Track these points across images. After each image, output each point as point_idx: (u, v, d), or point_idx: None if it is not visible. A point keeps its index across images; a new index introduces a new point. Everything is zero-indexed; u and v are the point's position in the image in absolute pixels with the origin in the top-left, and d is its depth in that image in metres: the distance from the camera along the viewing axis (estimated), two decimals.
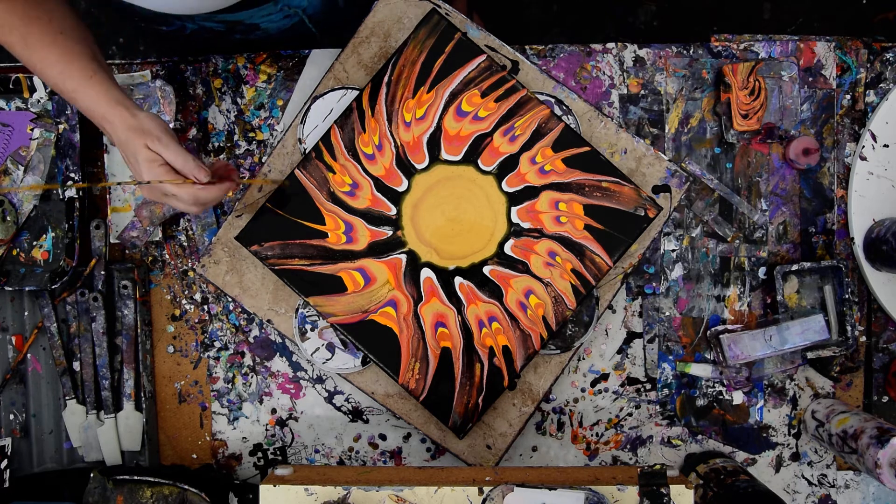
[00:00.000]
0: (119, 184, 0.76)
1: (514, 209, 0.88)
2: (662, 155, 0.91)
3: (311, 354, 0.91)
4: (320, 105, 0.91)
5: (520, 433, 0.92)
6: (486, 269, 0.88)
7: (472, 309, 0.88)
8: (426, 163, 0.88)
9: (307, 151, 0.90)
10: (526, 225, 0.88)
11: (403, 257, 0.88)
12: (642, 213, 0.88)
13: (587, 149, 0.88)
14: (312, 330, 0.91)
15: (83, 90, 0.74)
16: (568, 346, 0.91)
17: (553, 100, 0.90)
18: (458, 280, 0.88)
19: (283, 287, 0.91)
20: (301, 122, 0.91)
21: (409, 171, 0.88)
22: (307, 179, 0.88)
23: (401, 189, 0.88)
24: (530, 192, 0.88)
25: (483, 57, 0.88)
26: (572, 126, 0.89)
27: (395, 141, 0.88)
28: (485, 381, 0.88)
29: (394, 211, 0.88)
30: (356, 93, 0.90)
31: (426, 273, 0.88)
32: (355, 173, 0.88)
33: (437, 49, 0.88)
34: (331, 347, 0.90)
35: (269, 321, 0.92)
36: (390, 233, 0.88)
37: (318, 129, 0.91)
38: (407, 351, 0.88)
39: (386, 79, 0.88)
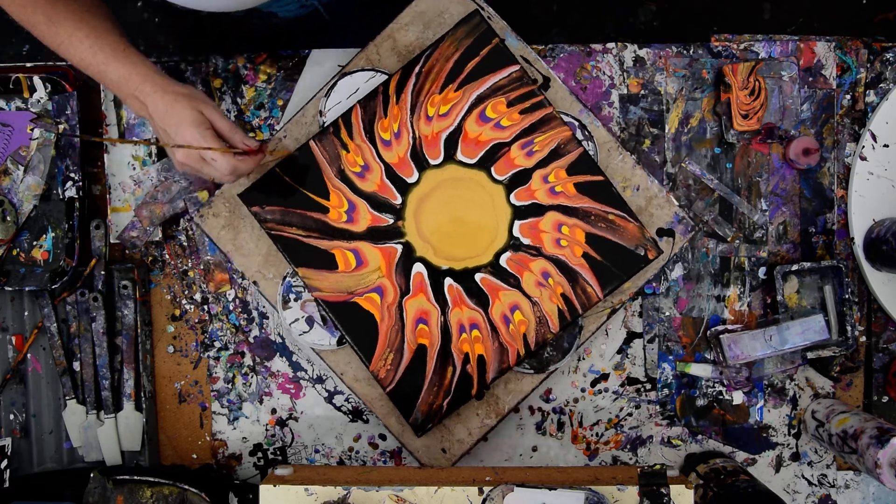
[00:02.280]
0: (161, 145, 0.76)
1: (517, 223, 0.88)
2: (674, 199, 0.91)
3: (290, 324, 0.91)
4: (347, 82, 0.90)
5: (476, 444, 0.92)
6: (478, 277, 0.88)
7: (456, 312, 0.88)
8: (440, 160, 0.88)
9: (325, 125, 0.90)
10: (526, 241, 0.88)
11: (399, 247, 0.88)
12: (642, 253, 0.88)
13: (601, 178, 0.88)
14: (296, 300, 0.91)
15: (116, 62, 0.74)
16: (542, 369, 0.90)
17: (577, 123, 0.90)
18: (447, 281, 0.88)
19: (276, 252, 0.91)
20: (325, 96, 0.91)
21: (422, 164, 0.88)
22: (320, 152, 0.88)
23: (410, 180, 0.88)
24: (536, 210, 0.88)
25: (516, 67, 0.88)
26: (591, 153, 0.89)
27: (414, 132, 0.88)
28: (454, 386, 0.88)
29: (399, 200, 0.88)
30: (384, 77, 0.90)
31: (418, 267, 0.88)
32: (369, 156, 0.88)
33: (472, 50, 0.88)
34: (310, 321, 0.90)
35: (255, 282, 0.92)
36: (391, 221, 0.88)
37: (339, 106, 0.90)
38: (384, 340, 0.88)
39: (417, 69, 0.88)
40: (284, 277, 0.91)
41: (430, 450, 0.91)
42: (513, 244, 0.88)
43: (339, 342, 0.90)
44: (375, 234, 0.88)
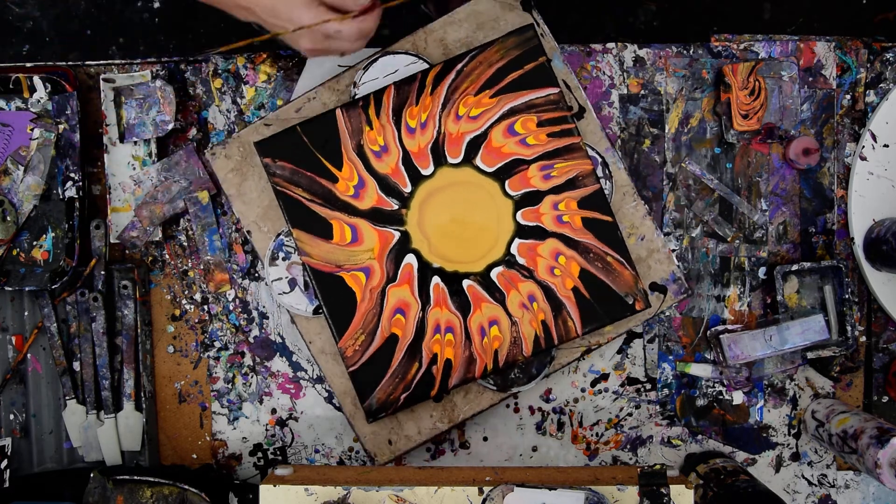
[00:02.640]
0: (280, 36, 0.76)
1: (517, 241, 0.88)
2: (675, 259, 0.92)
3: (272, 281, 0.91)
4: (388, 61, 0.91)
5: (423, 444, 0.92)
6: (465, 283, 0.88)
7: (436, 312, 0.88)
8: (458, 160, 0.88)
9: (356, 97, 0.90)
10: (521, 260, 0.88)
11: (397, 235, 0.88)
12: (631, 302, 0.88)
13: (609, 219, 0.88)
14: (283, 260, 0.91)
15: None
16: (505, 388, 0.90)
17: (600, 159, 0.90)
18: (435, 279, 0.88)
19: (276, 208, 0.90)
20: (363, 69, 0.91)
21: (440, 159, 0.88)
22: (344, 122, 0.88)
23: (425, 172, 0.88)
24: (539, 233, 0.88)
25: (556, 90, 0.88)
26: (606, 191, 0.90)
27: (440, 127, 0.88)
28: (415, 382, 0.88)
29: (409, 189, 0.88)
30: (425, 66, 0.90)
31: (410, 259, 0.88)
32: (390, 138, 0.88)
33: (517, 62, 0.88)
34: (293, 283, 0.91)
35: (248, 232, 0.92)
36: (396, 207, 0.88)
37: (375, 82, 0.91)
38: (359, 320, 0.88)
39: (459, 66, 0.88)
40: (278, 234, 0.91)
41: (377, 438, 0.91)
42: (507, 260, 0.88)
43: (315, 311, 0.91)
44: (377, 216, 0.88)
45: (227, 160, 0.92)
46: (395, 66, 0.91)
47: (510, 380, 0.90)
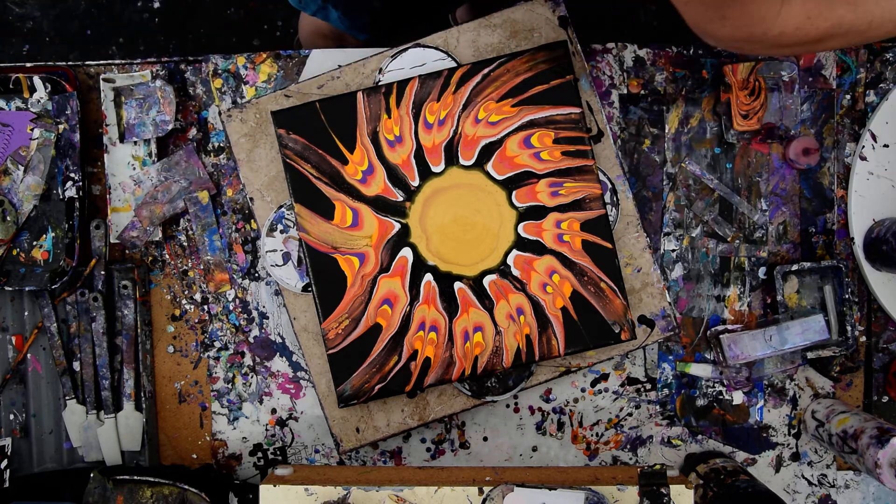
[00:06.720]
0: None
1: (514, 252, 0.88)
2: (668, 295, 0.92)
3: (266, 252, 0.91)
4: (417, 53, 0.91)
5: (390, 437, 0.92)
6: (457, 285, 0.88)
7: (423, 309, 0.88)
8: (470, 163, 0.88)
9: (379, 83, 0.90)
10: (515, 272, 0.88)
11: (397, 226, 0.88)
12: (617, 330, 0.88)
13: (609, 246, 0.88)
14: (281, 232, 0.91)
15: None
16: (480, 395, 0.90)
17: (610, 185, 0.91)
18: (427, 276, 0.88)
19: (282, 179, 0.91)
20: (391, 56, 0.91)
21: (451, 159, 0.88)
22: (363, 106, 0.88)
23: (434, 170, 0.89)
24: (538, 248, 0.88)
25: (578, 110, 0.88)
26: (611, 218, 0.90)
27: (457, 126, 0.88)
28: (391, 375, 0.88)
29: (417, 183, 0.88)
30: (453, 65, 0.91)
31: (406, 252, 0.88)
32: (406, 130, 0.88)
33: (544, 76, 0.88)
34: (286, 257, 0.91)
35: (251, 199, 0.92)
36: (401, 199, 0.89)
37: (400, 72, 0.91)
38: (346, 304, 0.88)
39: (486, 70, 0.88)
40: (280, 206, 0.91)
41: (346, 423, 0.92)
42: (502, 269, 0.88)
43: (304, 289, 0.91)
44: (381, 205, 0.89)
45: (242, 124, 0.92)
46: (423, 60, 0.91)
47: (486, 388, 0.90)
